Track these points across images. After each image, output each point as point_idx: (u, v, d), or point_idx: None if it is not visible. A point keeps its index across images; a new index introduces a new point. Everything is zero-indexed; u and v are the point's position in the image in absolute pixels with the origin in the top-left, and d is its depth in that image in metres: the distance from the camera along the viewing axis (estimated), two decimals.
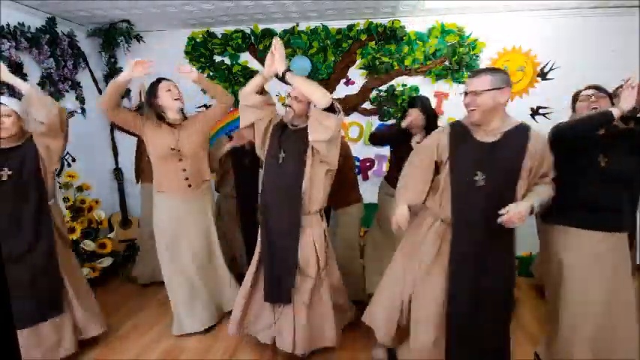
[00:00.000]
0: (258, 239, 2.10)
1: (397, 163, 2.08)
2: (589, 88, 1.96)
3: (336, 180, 2.40)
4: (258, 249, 2.11)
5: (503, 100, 1.56)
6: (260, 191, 2.06)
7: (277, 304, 2.04)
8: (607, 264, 1.75)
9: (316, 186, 1.95)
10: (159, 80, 2.25)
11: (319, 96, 1.78)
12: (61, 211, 2.19)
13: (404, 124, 2.39)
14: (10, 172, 1.85)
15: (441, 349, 1.71)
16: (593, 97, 1.86)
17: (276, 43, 1.82)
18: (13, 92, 2.73)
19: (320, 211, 2.04)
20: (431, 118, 2.40)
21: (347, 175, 2.52)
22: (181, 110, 2.29)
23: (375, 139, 2.59)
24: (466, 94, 1.61)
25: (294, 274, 1.95)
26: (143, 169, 2.97)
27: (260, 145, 2.06)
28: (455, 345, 1.69)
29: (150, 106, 2.23)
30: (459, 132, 1.70)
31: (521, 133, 1.59)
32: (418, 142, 2.31)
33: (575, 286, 1.78)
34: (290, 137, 1.97)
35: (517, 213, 1.50)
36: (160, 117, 2.23)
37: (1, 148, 1.86)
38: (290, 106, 1.96)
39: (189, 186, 2.27)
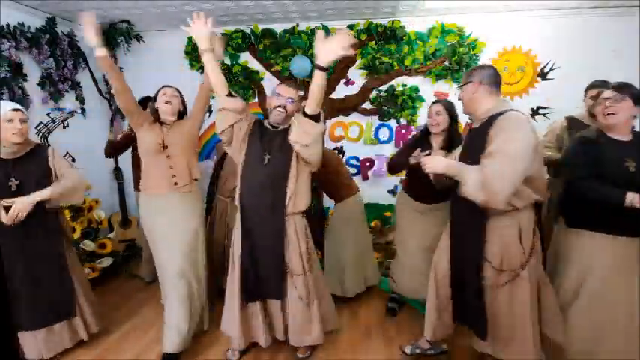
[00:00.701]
0: (235, 244, 2.04)
1: (417, 171, 1.95)
2: (602, 85, 1.93)
3: (332, 177, 2.65)
4: (235, 258, 2.03)
5: (475, 93, 1.71)
6: (239, 193, 1.99)
7: (263, 305, 2.06)
8: (632, 269, 1.72)
9: (301, 186, 1.96)
10: (162, 87, 2.26)
11: (317, 103, 1.81)
12: (63, 212, 2.24)
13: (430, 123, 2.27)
14: (17, 183, 1.90)
15: None
16: (608, 100, 1.74)
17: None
18: (13, 94, 2.74)
19: (304, 211, 2.03)
20: (454, 122, 2.28)
21: (340, 171, 2.68)
22: (178, 112, 2.24)
23: (396, 167, 2.46)
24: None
25: (283, 272, 1.98)
26: (139, 175, 3.01)
27: (238, 148, 2.01)
28: None
29: (152, 109, 2.25)
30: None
31: (491, 120, 1.63)
32: (441, 147, 2.26)
33: (598, 289, 1.75)
34: (274, 139, 1.97)
35: (432, 160, 1.69)
36: (158, 119, 2.23)
37: (8, 159, 1.92)
38: (283, 107, 1.93)
39: (176, 184, 2.16)
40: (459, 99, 1.82)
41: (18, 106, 1.94)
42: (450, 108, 2.24)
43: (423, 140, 2.34)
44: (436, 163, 1.68)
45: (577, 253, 1.84)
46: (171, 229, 2.15)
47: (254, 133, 2.00)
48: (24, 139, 1.93)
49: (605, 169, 1.71)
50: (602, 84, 2.32)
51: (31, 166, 1.95)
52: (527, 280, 1.64)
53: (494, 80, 1.71)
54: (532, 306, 1.66)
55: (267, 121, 2.02)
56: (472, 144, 1.72)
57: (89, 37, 1.90)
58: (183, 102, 2.29)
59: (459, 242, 1.83)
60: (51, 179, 2.00)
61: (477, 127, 1.73)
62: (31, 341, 2.03)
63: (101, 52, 1.94)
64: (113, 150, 3.00)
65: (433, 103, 2.31)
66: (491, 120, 1.63)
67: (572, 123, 2.45)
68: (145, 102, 3.03)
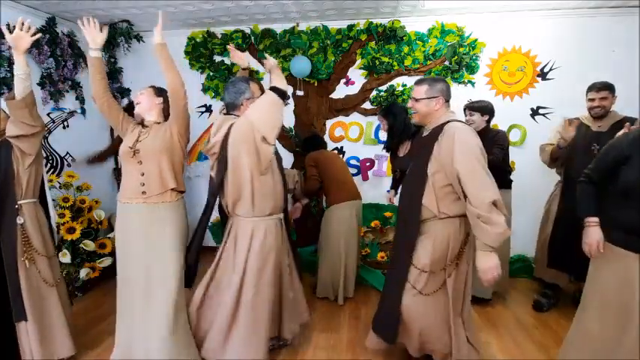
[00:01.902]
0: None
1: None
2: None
3: (324, 180, 2.80)
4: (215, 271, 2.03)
5: (437, 107, 1.77)
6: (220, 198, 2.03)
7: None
8: None
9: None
10: (160, 89, 2.15)
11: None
12: (42, 214, 2.05)
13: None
14: None
15: None
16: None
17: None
18: None
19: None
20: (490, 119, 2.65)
21: (330, 175, 2.80)
22: (163, 114, 2.07)
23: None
24: (413, 98, 1.83)
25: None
26: None
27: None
28: None
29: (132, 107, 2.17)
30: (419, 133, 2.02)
31: (439, 129, 1.72)
32: None
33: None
34: None
35: (482, 273, 1.60)
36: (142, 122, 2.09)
37: None
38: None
39: (144, 193, 1.92)
40: (413, 111, 1.83)
41: None
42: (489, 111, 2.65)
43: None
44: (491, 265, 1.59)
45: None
46: (131, 245, 1.94)
47: None
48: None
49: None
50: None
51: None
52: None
53: (450, 96, 1.81)
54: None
55: None
56: (420, 150, 1.81)
57: (93, 37, 1.87)
58: (166, 101, 2.04)
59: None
60: (11, 165, 1.89)
61: (426, 136, 1.82)
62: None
63: (97, 53, 1.91)
64: (97, 160, 3.24)
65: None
66: (439, 128, 1.73)
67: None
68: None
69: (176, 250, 1.96)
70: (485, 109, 2.60)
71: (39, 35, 1.89)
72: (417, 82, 1.82)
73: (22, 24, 1.79)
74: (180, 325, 1.95)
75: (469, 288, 1.82)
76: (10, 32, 1.79)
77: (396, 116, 2.53)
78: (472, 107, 2.63)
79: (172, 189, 1.97)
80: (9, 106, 1.83)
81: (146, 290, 1.94)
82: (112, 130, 3.68)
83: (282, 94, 1.89)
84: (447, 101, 1.79)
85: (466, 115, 2.64)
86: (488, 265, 1.56)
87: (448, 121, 1.71)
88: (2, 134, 1.89)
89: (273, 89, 1.89)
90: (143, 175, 1.93)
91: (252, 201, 1.89)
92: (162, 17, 1.90)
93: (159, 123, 2.03)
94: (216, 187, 1.94)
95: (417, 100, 1.79)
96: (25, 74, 1.82)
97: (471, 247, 1.74)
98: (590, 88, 2.44)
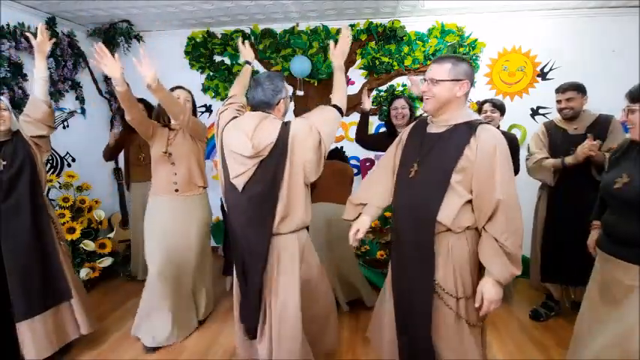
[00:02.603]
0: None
1: None
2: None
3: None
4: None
5: (461, 93, 1.39)
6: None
7: None
8: None
9: None
10: (172, 89, 2.29)
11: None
12: (51, 206, 2.24)
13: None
14: (4, 163, 1.94)
15: None
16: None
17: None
18: (13, 94, 2.74)
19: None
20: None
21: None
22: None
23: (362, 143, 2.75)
24: (425, 80, 1.45)
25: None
26: (130, 172, 3.15)
27: None
28: None
29: (159, 111, 2.32)
30: (420, 125, 1.56)
31: (467, 128, 1.38)
32: None
33: None
34: None
35: (488, 303, 1.34)
36: (166, 123, 2.32)
37: None
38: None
39: (177, 190, 2.28)
40: (428, 96, 1.43)
41: None
42: (410, 103, 2.58)
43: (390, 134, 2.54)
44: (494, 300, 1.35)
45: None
46: (165, 230, 2.26)
47: None
48: (7, 127, 1.94)
49: None
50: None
51: (16, 148, 1.97)
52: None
53: (474, 83, 1.49)
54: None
55: None
56: (426, 149, 1.45)
57: (112, 71, 1.89)
58: (194, 104, 2.39)
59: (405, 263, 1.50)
60: (34, 157, 2.01)
61: (439, 132, 1.44)
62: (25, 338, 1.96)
63: (122, 86, 1.93)
64: (110, 154, 3.11)
65: (396, 98, 2.63)
66: (467, 127, 1.38)
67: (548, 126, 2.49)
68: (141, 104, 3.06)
69: (200, 234, 2.40)
70: (503, 109, 2.55)
71: (53, 40, 2.05)
72: (437, 60, 1.42)
73: (43, 32, 1.95)
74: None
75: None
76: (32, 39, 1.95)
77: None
78: (495, 104, 2.54)
79: (200, 186, 2.37)
80: (34, 105, 1.99)
81: (161, 268, 2.23)
82: (111, 128, 3.68)
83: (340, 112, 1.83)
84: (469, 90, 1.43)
85: (484, 112, 2.55)
86: (497, 296, 1.35)
87: (479, 122, 1.38)
88: (10, 132, 1.97)
89: (336, 107, 1.79)
90: (176, 174, 2.26)
91: (305, 213, 1.67)
92: (143, 57, 1.85)
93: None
94: (264, 200, 1.60)
95: (436, 81, 1.38)
96: (47, 77, 2.00)
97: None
98: (557, 90, 2.37)
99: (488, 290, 1.33)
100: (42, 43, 1.94)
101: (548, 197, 2.46)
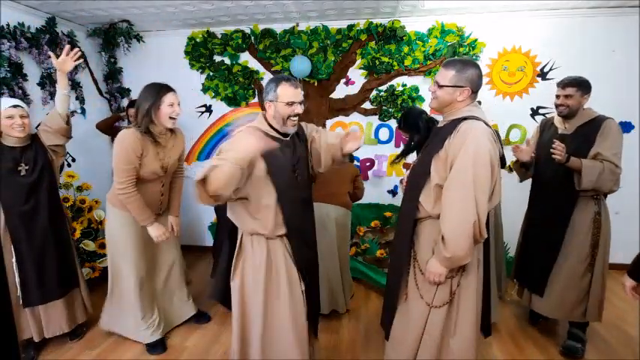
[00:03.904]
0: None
1: None
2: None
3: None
4: None
5: (462, 98, 1.52)
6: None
7: None
8: None
9: None
10: (167, 89, 2.04)
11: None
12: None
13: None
14: (27, 167, 2.08)
15: None
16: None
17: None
18: (13, 94, 2.74)
19: None
20: None
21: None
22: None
23: None
24: (436, 82, 1.59)
25: None
26: None
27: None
28: None
29: (148, 116, 2.00)
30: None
31: (457, 122, 1.49)
32: None
33: None
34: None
35: (429, 274, 1.52)
36: (147, 129, 2.04)
37: (16, 146, 2.07)
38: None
39: (161, 202, 2.26)
40: (433, 96, 1.59)
41: (17, 102, 2.06)
42: None
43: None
44: (437, 274, 1.50)
45: None
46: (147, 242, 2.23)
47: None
48: (26, 133, 2.05)
49: None
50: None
51: (36, 153, 2.12)
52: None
53: (479, 86, 1.56)
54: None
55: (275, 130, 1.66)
56: (431, 142, 1.61)
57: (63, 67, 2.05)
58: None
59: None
60: (52, 161, 2.18)
61: (440, 127, 1.61)
62: (29, 320, 2.15)
63: (66, 89, 2.11)
64: (105, 125, 3.24)
65: None
66: (454, 123, 1.50)
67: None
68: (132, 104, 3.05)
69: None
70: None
71: (81, 60, 2.17)
72: (445, 64, 1.55)
73: (68, 52, 2.06)
74: None
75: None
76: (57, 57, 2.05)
77: (412, 126, 2.13)
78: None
79: None
80: (53, 118, 2.13)
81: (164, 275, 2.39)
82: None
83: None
84: (475, 92, 1.54)
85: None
86: (438, 270, 1.49)
87: (467, 118, 1.48)
88: (29, 137, 2.12)
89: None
90: (163, 185, 2.21)
91: None
92: None
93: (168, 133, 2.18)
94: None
95: (440, 85, 1.54)
96: (67, 93, 2.13)
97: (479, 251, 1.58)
98: (558, 84, 2.20)
99: (430, 264, 1.51)
100: (62, 63, 2.03)
101: (533, 194, 2.43)
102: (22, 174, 2.05)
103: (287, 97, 1.59)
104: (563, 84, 2.16)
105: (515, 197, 2.75)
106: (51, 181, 2.18)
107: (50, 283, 2.16)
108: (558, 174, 2.13)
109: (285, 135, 1.67)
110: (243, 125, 1.66)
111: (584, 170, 2.00)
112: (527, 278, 2.38)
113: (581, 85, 2.11)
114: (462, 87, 1.50)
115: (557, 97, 2.19)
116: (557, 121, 2.27)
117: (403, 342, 1.65)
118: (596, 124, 2.09)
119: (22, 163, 2.06)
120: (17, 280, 2.07)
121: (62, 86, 2.07)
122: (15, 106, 2.00)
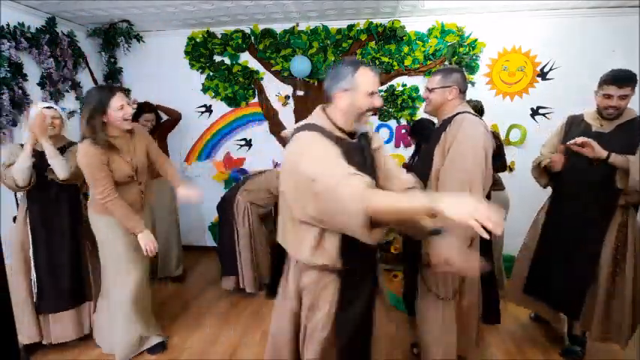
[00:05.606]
0: None
1: None
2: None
3: None
4: None
5: (452, 97, 1.72)
6: None
7: None
8: None
9: None
10: (111, 89, 1.97)
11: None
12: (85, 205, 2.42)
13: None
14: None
15: None
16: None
17: None
18: (13, 94, 2.74)
19: None
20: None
21: None
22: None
23: None
24: (427, 88, 1.81)
25: None
26: None
27: None
28: None
29: (91, 125, 1.97)
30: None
31: (448, 121, 1.69)
32: None
33: None
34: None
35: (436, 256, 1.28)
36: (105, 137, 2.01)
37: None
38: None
39: (142, 200, 2.16)
40: (427, 102, 1.80)
41: (50, 104, 2.21)
42: None
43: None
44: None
45: None
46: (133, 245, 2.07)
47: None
48: (56, 134, 2.17)
49: None
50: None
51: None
52: None
53: (466, 87, 1.77)
54: None
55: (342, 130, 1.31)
56: (431, 140, 1.80)
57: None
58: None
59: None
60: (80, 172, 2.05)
61: (437, 127, 1.80)
62: (34, 324, 2.16)
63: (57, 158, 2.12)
64: None
65: None
66: (448, 120, 1.69)
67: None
68: (144, 108, 3.04)
69: None
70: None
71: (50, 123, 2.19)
72: (432, 74, 1.81)
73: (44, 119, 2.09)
74: None
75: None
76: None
77: (422, 135, 2.44)
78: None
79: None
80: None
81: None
82: None
83: None
84: (463, 92, 1.74)
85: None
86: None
87: (462, 112, 1.67)
88: (64, 140, 2.28)
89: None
90: (140, 184, 2.12)
91: None
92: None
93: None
94: None
95: (430, 89, 1.77)
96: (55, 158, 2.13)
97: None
98: (607, 81, 1.83)
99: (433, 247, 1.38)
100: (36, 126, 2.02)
101: (549, 204, 2.18)
102: (48, 179, 2.13)
103: (368, 85, 1.26)
104: (620, 82, 1.78)
105: (515, 197, 2.76)
106: (76, 189, 2.27)
107: (64, 292, 2.18)
108: (592, 178, 1.86)
109: (351, 135, 1.33)
110: (296, 126, 1.33)
111: (632, 167, 1.70)
112: (553, 297, 2.10)
113: (636, 82, 1.80)
114: (449, 86, 1.71)
115: (609, 97, 1.83)
116: (590, 118, 1.97)
117: None
118: (637, 123, 1.84)
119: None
120: (34, 277, 2.13)
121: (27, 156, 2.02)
122: (47, 107, 2.14)
